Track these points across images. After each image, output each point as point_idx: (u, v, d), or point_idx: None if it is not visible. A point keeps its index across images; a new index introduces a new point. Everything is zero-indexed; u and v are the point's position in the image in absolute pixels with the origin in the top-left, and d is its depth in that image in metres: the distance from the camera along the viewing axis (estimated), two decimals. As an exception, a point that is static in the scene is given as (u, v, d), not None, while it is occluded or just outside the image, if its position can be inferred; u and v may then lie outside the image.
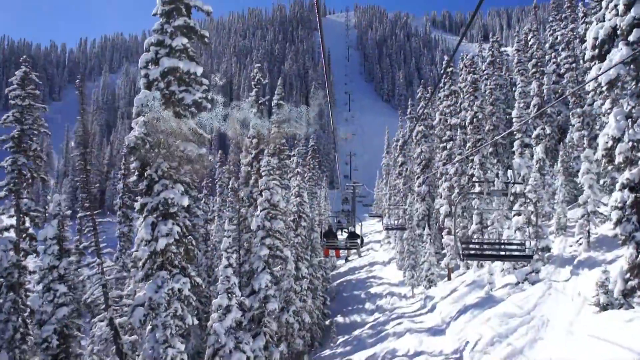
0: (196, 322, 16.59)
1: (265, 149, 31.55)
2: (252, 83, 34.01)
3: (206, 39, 17.36)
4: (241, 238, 35.17)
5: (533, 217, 20.41)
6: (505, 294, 21.78)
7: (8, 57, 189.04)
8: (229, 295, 20.27)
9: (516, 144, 22.81)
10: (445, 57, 57.56)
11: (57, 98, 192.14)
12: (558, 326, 16.04)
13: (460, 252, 10.69)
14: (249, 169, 33.90)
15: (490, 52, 51.48)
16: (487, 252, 11.37)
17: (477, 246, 11.78)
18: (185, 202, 16.30)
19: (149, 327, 15.49)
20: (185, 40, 16.74)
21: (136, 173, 16.51)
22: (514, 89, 49.78)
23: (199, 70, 16.84)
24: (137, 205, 16.35)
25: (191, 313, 16.83)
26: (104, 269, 20.18)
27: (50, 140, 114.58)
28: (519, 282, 21.42)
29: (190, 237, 17.08)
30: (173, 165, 16.17)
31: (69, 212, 25.42)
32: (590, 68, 16.12)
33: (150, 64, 16.60)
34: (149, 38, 16.88)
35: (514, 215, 22.89)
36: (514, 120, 26.53)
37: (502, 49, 62.67)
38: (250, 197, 33.46)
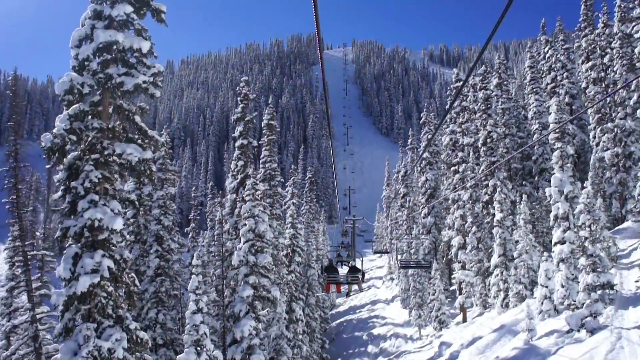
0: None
1: (251, 172, 27.38)
2: (239, 98, 30.07)
3: (163, 15, 13.31)
4: (227, 275, 30.75)
5: (588, 245, 16.00)
6: (552, 345, 17.01)
7: (3, 91, 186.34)
8: (198, 349, 15.81)
9: (556, 155, 18.65)
10: (455, 70, 53.43)
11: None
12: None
13: None
14: (235, 196, 29.69)
15: (497, 74, 48.19)
16: None
17: None
18: (118, 224, 11.88)
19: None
20: (129, 9, 12.61)
21: (61, 187, 12.22)
22: (522, 112, 46.46)
23: (145, 46, 12.57)
24: (58, 232, 11.96)
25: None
26: (37, 317, 15.55)
27: (40, 174, 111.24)
28: (572, 330, 16.78)
29: (132, 275, 12.63)
30: (108, 175, 11.90)
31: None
32: None
33: (84, 42, 12.54)
34: (85, 12, 12.87)
35: (555, 244, 18.55)
36: (551, 124, 22.51)
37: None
38: (236, 228, 29.20)
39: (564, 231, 18.10)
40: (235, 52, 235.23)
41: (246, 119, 29.26)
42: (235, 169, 29.30)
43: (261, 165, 34.16)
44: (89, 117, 12.16)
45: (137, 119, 12.91)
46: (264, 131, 34.45)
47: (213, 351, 16.05)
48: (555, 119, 20.23)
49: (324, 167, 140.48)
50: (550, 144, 37.81)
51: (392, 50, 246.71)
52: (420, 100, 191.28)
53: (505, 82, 47.56)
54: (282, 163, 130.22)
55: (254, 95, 34.27)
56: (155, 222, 25.88)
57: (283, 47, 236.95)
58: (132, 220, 27.74)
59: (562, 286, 17.81)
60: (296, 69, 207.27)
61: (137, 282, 12.76)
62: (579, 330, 16.38)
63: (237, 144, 29.20)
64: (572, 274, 17.82)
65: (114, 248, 11.97)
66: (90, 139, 11.90)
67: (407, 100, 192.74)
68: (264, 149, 34.05)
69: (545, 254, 19.57)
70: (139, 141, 12.69)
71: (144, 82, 12.42)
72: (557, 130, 18.71)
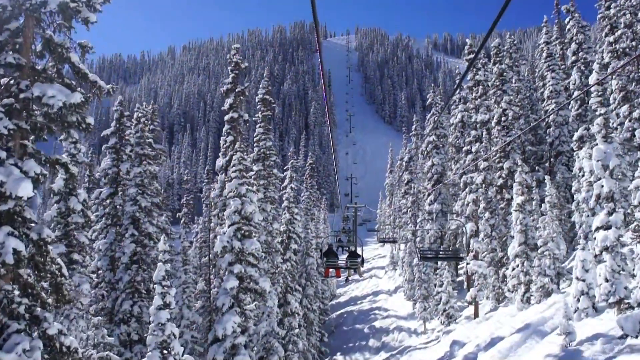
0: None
1: (238, 145, 24.44)
2: (229, 68, 27.06)
3: None
4: (215, 264, 28.00)
5: (649, 229, 13.00)
6: (599, 353, 13.77)
7: None
8: (164, 352, 13.00)
9: (598, 122, 15.54)
10: (468, 43, 50.13)
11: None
12: None
13: None
14: (224, 176, 26.80)
15: (509, 54, 45.21)
16: None
17: None
18: (25, 190, 8.75)
19: None
20: None
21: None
22: (535, 94, 43.66)
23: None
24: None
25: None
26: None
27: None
28: (626, 335, 13.70)
29: (58, 262, 9.57)
30: (25, 126, 8.91)
31: None
32: None
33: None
34: None
35: (597, 229, 15.51)
36: (592, 88, 19.51)
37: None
38: (224, 210, 26.34)
39: (609, 214, 15.07)
40: (237, 39, 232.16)
41: (237, 90, 26.27)
42: (224, 146, 26.41)
43: (255, 144, 31.18)
44: (10, 52, 9.23)
45: (74, 57, 9.90)
46: (258, 106, 31.49)
47: (182, 355, 13.22)
48: (598, 79, 17.19)
49: (326, 154, 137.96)
50: (571, 120, 34.91)
51: (396, 38, 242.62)
52: (423, 89, 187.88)
53: (516, 63, 44.71)
54: (283, 150, 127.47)
55: (246, 65, 31.19)
56: (131, 202, 22.97)
57: (286, 33, 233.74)
58: (108, 201, 24.91)
59: (607, 280, 14.81)
60: (299, 56, 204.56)
61: (64, 270, 9.72)
62: (636, 337, 13.30)
63: (227, 117, 26.25)
64: (619, 266, 14.86)
65: (31, 225, 9.00)
66: (9, 80, 8.98)
67: (410, 88, 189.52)
68: (258, 125, 31.07)
69: (582, 241, 16.58)
70: (79, 89, 9.76)
71: (74, 0, 9.40)
72: (598, 93, 15.75)
